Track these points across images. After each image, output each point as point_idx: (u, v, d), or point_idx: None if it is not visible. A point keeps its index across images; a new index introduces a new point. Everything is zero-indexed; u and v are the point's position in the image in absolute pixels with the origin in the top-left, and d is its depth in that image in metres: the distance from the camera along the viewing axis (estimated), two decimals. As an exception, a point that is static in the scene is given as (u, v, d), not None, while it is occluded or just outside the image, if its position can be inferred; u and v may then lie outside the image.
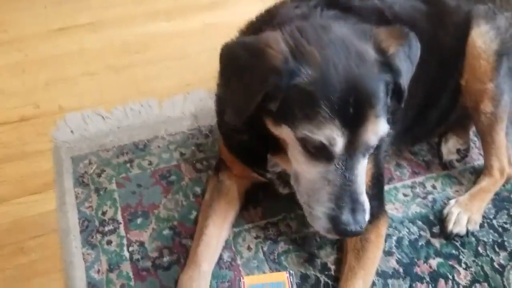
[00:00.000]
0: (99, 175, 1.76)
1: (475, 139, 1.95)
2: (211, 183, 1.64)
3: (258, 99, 1.13)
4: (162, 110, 1.97)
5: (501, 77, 1.64)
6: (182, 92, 2.02)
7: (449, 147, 1.87)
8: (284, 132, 1.19)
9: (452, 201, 1.71)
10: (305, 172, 1.23)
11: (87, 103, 1.97)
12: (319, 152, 1.16)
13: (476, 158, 1.90)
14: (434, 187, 1.80)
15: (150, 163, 1.81)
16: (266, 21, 1.38)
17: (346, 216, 1.17)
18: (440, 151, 1.88)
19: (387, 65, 1.16)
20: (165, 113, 1.96)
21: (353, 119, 1.11)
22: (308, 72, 1.10)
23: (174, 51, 2.20)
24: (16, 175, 1.75)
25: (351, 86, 1.10)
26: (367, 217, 1.21)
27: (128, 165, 1.80)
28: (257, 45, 1.14)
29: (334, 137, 1.11)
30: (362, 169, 1.21)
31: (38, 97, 2.00)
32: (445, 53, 1.67)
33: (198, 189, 1.73)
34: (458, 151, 1.87)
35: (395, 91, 1.21)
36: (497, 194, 1.77)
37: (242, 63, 1.14)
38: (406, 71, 1.20)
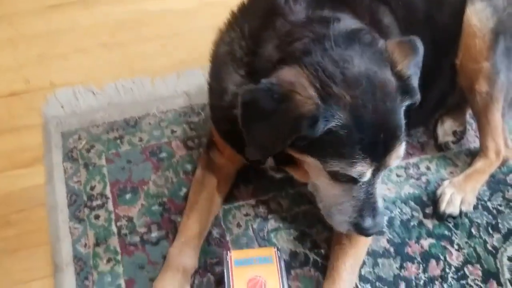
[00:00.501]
0: (88, 151, 1.75)
1: (472, 121, 1.91)
2: (202, 160, 1.62)
3: (287, 143, 1.16)
4: (154, 88, 1.95)
5: (497, 56, 1.60)
6: (175, 70, 1.99)
7: (445, 129, 1.84)
8: (310, 161, 1.23)
9: (446, 182, 1.69)
10: (328, 189, 1.30)
11: (78, 79, 1.95)
12: (347, 179, 1.23)
13: (472, 140, 1.87)
14: (428, 168, 1.78)
15: (141, 140, 1.79)
16: (265, 26, 1.30)
17: (367, 223, 1.28)
18: (436, 132, 1.85)
19: (405, 88, 1.18)
20: (157, 91, 1.94)
21: (382, 153, 1.19)
22: (340, 116, 1.11)
23: (168, 28, 2.17)
24: (5, 148, 1.74)
25: (380, 124, 1.15)
26: (385, 218, 1.38)
27: (118, 141, 1.78)
28: (282, 90, 1.10)
29: (365, 171, 1.19)
30: (380, 184, 1.31)
31: (29, 72, 1.98)
32: (442, 34, 1.63)
33: (188, 167, 1.72)
34: (454, 133, 1.84)
35: None
36: (492, 176, 1.74)
37: (268, 109, 1.12)
38: (416, 80, 1.22)
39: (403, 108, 1.21)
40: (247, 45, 1.32)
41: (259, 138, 1.18)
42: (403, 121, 1.20)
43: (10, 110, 1.86)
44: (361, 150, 1.14)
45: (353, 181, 1.22)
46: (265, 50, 1.25)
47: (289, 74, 1.12)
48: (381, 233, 1.52)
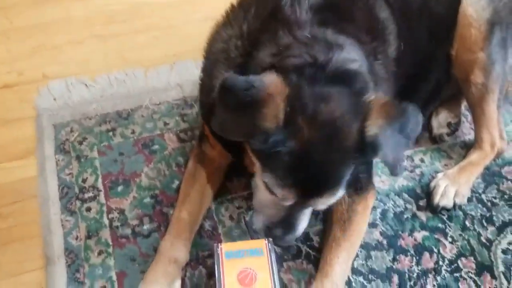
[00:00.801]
0: (80, 143, 1.74)
1: (467, 113, 1.90)
2: (194, 153, 1.61)
3: (240, 139, 1.24)
4: (147, 80, 1.94)
5: (492, 46, 1.59)
6: (168, 62, 1.98)
7: (440, 121, 1.83)
8: (254, 161, 1.28)
9: (440, 174, 1.68)
10: (261, 190, 1.34)
11: (71, 71, 1.94)
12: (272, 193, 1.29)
13: (467, 132, 1.86)
14: (422, 160, 1.77)
15: (133, 132, 1.79)
16: (265, 29, 1.29)
17: (278, 234, 1.36)
18: (430, 124, 1.84)
19: (363, 146, 1.15)
20: (150, 83, 1.93)
21: (311, 193, 1.23)
22: (291, 145, 1.14)
23: (161, 21, 2.16)
24: (-2, 141, 1.75)
25: (320, 171, 1.18)
26: (296, 236, 1.38)
27: (110, 133, 1.78)
28: (256, 97, 1.10)
29: (288, 199, 1.25)
30: (309, 210, 1.38)
31: (22, 65, 1.97)
32: (437, 24, 1.62)
33: (181, 159, 1.71)
34: (448, 124, 1.82)
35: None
36: (487, 168, 1.73)
37: (237, 104, 1.13)
38: (393, 147, 1.17)
39: (353, 165, 1.21)
40: (243, 46, 1.32)
41: (223, 120, 1.19)
42: (344, 177, 1.21)
43: (2, 102, 1.86)
44: (293, 182, 1.19)
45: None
46: (260, 54, 1.25)
47: (273, 84, 1.12)
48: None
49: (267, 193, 1.29)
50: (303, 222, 1.38)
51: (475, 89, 1.63)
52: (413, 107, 1.19)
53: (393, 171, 1.20)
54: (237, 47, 1.32)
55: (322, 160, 1.16)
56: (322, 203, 1.27)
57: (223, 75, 1.31)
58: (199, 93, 1.50)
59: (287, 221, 1.34)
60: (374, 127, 1.14)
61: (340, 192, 1.24)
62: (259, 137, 1.12)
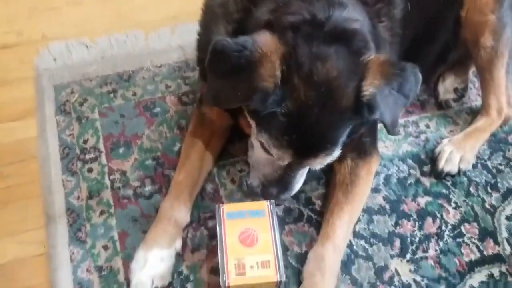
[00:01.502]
0: (81, 104, 1.72)
1: (474, 79, 1.87)
2: (194, 115, 1.59)
3: (237, 106, 1.23)
4: (148, 42, 1.91)
5: (504, 9, 1.55)
6: (169, 23, 1.94)
7: (446, 86, 1.80)
8: (251, 122, 1.29)
9: (445, 140, 1.66)
10: (257, 150, 1.36)
11: (71, 32, 1.91)
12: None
13: (474, 99, 1.83)
14: (427, 126, 1.74)
15: (134, 94, 1.76)
16: None
17: (272, 192, 1.37)
18: (437, 90, 1.80)
19: (359, 106, 1.14)
20: (151, 45, 1.90)
21: (306, 153, 1.23)
22: (287, 105, 1.14)
23: (161, -19, 2.11)
24: (-2, 101, 1.74)
25: (316, 132, 1.18)
26: (291, 195, 1.40)
27: (111, 95, 1.75)
28: (251, 57, 1.08)
29: (284, 158, 1.25)
30: (305, 170, 1.38)
31: (22, 25, 1.94)
32: None
33: (183, 122, 1.69)
34: (455, 90, 1.79)
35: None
36: (493, 135, 1.71)
37: (231, 68, 1.11)
38: (391, 106, 1.16)
39: (349, 126, 1.20)
40: (242, 1, 1.28)
41: (215, 90, 1.19)
42: (340, 138, 1.21)
43: (2, 63, 1.83)
44: (288, 142, 1.19)
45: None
46: (258, 10, 1.22)
47: (267, 43, 1.10)
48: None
49: (263, 152, 1.30)
50: (299, 181, 1.39)
51: (485, 53, 1.59)
52: (412, 66, 1.17)
53: (391, 130, 1.19)
54: (236, 2, 1.29)
55: (318, 121, 1.15)
56: (318, 163, 1.27)
57: (219, 30, 1.29)
58: (196, 48, 1.47)
59: (283, 180, 1.34)
60: (371, 86, 1.12)
61: (336, 153, 1.24)
62: (257, 99, 1.10)
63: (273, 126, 1.17)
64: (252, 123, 1.27)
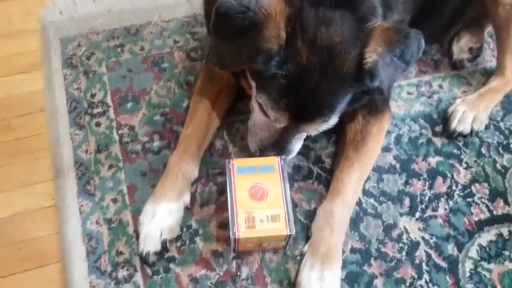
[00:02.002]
0: (88, 58, 1.69)
1: (490, 40, 1.82)
2: (202, 70, 1.57)
3: (238, 68, 1.25)
4: (156, -5, 1.87)
5: (525, -37, 1.50)
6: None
7: (461, 46, 1.75)
8: (252, 84, 1.29)
9: (459, 100, 1.63)
10: (256, 113, 1.37)
11: (77, -16, 1.87)
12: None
13: (489, 59, 1.79)
14: (441, 86, 1.71)
15: (142, 49, 1.73)
16: None
17: (269, 155, 1.37)
18: (451, 49, 1.76)
19: (360, 73, 1.14)
20: (159, -2, 1.86)
21: (302, 118, 1.24)
22: (288, 68, 1.14)
23: None
24: (3, 53, 1.70)
25: (314, 96, 1.17)
26: (291, 156, 1.41)
27: (118, 49, 1.72)
28: (256, 18, 1.07)
29: (280, 121, 1.25)
30: (302, 134, 1.37)
31: (27, -24, 1.90)
32: None
33: (191, 78, 1.67)
34: (470, 49, 1.74)
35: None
36: (507, 96, 1.68)
37: (235, 30, 1.10)
38: (391, 74, 1.16)
39: (348, 94, 1.20)
40: None
41: (221, 52, 1.20)
42: (338, 105, 1.21)
43: (7, 14, 1.80)
44: (285, 105, 1.19)
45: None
46: None
47: (272, 4, 1.09)
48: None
49: (262, 115, 1.30)
50: (296, 146, 1.40)
51: (503, 10, 1.54)
52: (416, 32, 1.15)
53: (385, 95, 1.22)
54: None
55: (317, 86, 1.15)
56: (313, 129, 1.27)
57: None
58: (203, 2, 1.44)
59: (279, 144, 1.36)
60: (373, 54, 1.11)
61: (333, 120, 1.25)
62: (260, 61, 1.10)
63: (273, 88, 1.18)
64: (253, 84, 1.27)
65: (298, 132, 1.32)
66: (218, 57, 1.22)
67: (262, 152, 1.39)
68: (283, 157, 1.35)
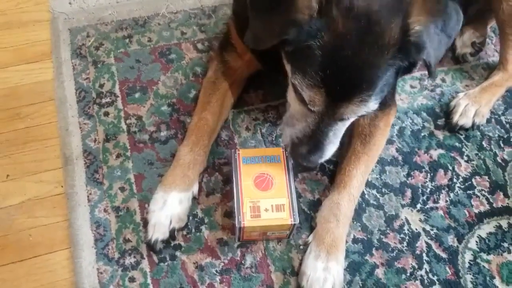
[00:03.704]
0: (97, 48, 1.71)
1: (493, 35, 1.84)
2: (215, 61, 1.57)
3: (274, 42, 1.15)
4: (164, -13, 1.88)
5: (530, -41, 1.51)
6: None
7: (464, 40, 1.77)
8: (287, 67, 1.23)
9: (461, 94, 1.65)
10: (292, 100, 1.30)
11: (86, -25, 1.88)
12: (303, 100, 1.22)
13: (491, 54, 1.81)
14: (443, 80, 1.73)
15: (150, 40, 1.75)
16: None
17: (302, 151, 1.29)
18: (454, 43, 1.77)
19: (406, 45, 1.08)
20: (166, -10, 1.87)
21: (340, 95, 1.15)
22: (324, 38, 1.08)
23: None
24: (13, 43, 1.72)
25: (353, 70, 1.10)
26: (322, 159, 1.30)
27: (127, 40, 1.74)
28: None
29: (316, 101, 1.17)
30: (339, 129, 1.28)
31: (36, -33, 1.92)
32: None
33: (198, 69, 1.69)
34: (473, 44, 1.77)
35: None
36: (509, 91, 1.70)
37: (271, 3, 1.09)
38: (436, 46, 1.11)
39: (392, 68, 1.12)
40: None
41: (256, 28, 1.17)
42: (379, 82, 1.12)
43: (17, 4, 1.82)
44: (322, 79, 1.12)
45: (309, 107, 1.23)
46: None
47: None
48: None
49: (297, 104, 1.25)
50: (332, 142, 1.29)
51: (507, 6, 1.55)
52: (454, 4, 1.13)
53: (433, 72, 1.15)
54: None
55: (355, 56, 1.08)
56: (352, 111, 1.17)
57: None
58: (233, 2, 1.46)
59: (315, 137, 1.27)
60: (417, 24, 1.07)
61: (373, 101, 1.15)
62: (292, 33, 1.07)
63: (308, 63, 1.12)
64: (288, 68, 1.22)
65: (335, 120, 1.22)
66: (253, 34, 1.18)
67: (294, 147, 1.30)
68: (285, 148, 1.36)
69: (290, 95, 1.30)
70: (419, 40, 1.07)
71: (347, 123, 1.28)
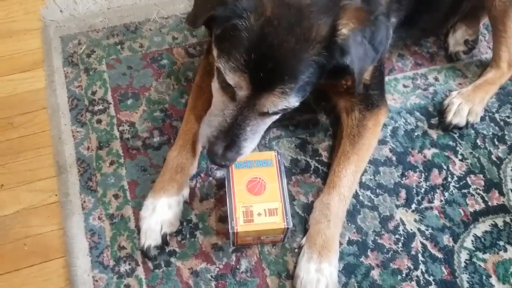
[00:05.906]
0: (88, 56, 1.72)
1: (485, 32, 1.84)
2: (201, 65, 1.58)
3: (203, 18, 1.16)
4: (154, -8, 1.88)
5: (521, -44, 1.50)
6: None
7: (457, 38, 1.76)
8: (214, 53, 1.22)
9: (454, 92, 1.65)
10: (215, 93, 1.30)
11: (76, -17, 1.88)
12: (226, 87, 1.21)
13: (484, 51, 1.80)
14: (436, 79, 1.73)
15: (141, 46, 1.75)
16: None
17: (217, 148, 1.27)
18: (447, 42, 1.77)
19: (331, 44, 1.09)
20: (157, -5, 1.87)
21: (262, 83, 1.14)
22: (250, 20, 1.09)
23: None
24: (5, 52, 1.73)
25: (276, 56, 1.10)
26: (239, 156, 1.28)
27: (118, 47, 1.74)
28: None
29: (241, 85, 1.16)
30: (257, 125, 1.27)
31: (27, -25, 1.92)
32: None
33: (190, 74, 1.69)
34: (465, 42, 1.76)
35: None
36: (502, 88, 1.69)
37: None
38: (361, 56, 1.12)
39: (316, 65, 1.12)
40: None
41: (196, 6, 1.22)
42: (301, 75, 1.12)
43: (8, 13, 1.82)
44: (246, 63, 1.11)
45: (231, 96, 1.21)
46: None
47: None
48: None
49: (220, 93, 1.25)
50: (249, 139, 1.28)
51: (499, 2, 1.55)
52: (386, 20, 1.15)
53: (356, 83, 1.16)
54: None
55: (281, 46, 1.09)
56: (272, 103, 1.17)
57: None
58: None
59: (232, 132, 1.25)
60: (346, 28, 1.09)
61: (294, 97, 1.15)
62: (219, 9, 1.09)
63: (233, 44, 1.12)
64: (215, 52, 1.21)
65: (255, 112, 1.22)
66: (193, 13, 1.22)
67: (212, 145, 1.27)
68: (280, 152, 1.37)
69: (214, 85, 1.29)
70: (345, 43, 1.09)
71: (267, 121, 1.29)
